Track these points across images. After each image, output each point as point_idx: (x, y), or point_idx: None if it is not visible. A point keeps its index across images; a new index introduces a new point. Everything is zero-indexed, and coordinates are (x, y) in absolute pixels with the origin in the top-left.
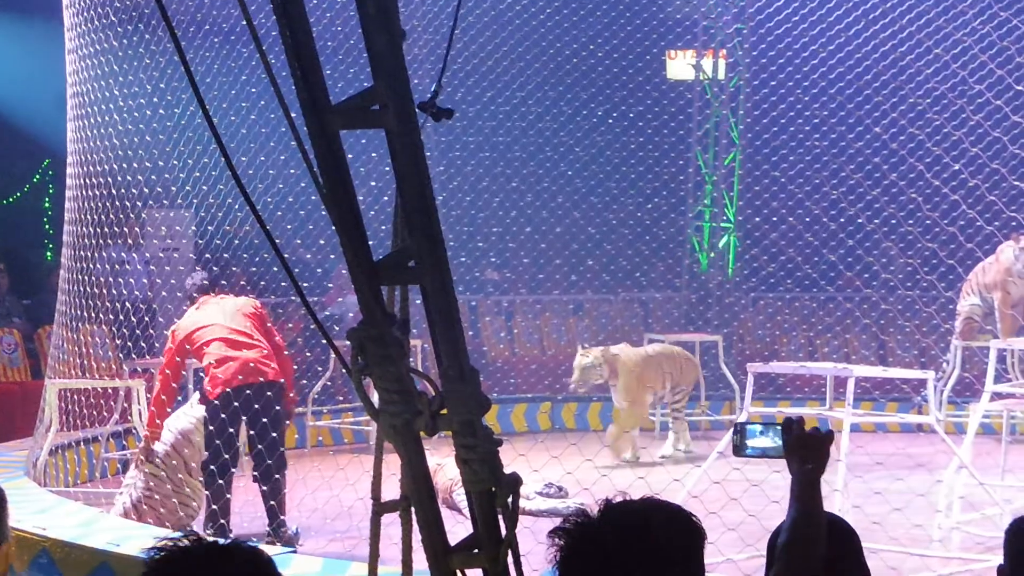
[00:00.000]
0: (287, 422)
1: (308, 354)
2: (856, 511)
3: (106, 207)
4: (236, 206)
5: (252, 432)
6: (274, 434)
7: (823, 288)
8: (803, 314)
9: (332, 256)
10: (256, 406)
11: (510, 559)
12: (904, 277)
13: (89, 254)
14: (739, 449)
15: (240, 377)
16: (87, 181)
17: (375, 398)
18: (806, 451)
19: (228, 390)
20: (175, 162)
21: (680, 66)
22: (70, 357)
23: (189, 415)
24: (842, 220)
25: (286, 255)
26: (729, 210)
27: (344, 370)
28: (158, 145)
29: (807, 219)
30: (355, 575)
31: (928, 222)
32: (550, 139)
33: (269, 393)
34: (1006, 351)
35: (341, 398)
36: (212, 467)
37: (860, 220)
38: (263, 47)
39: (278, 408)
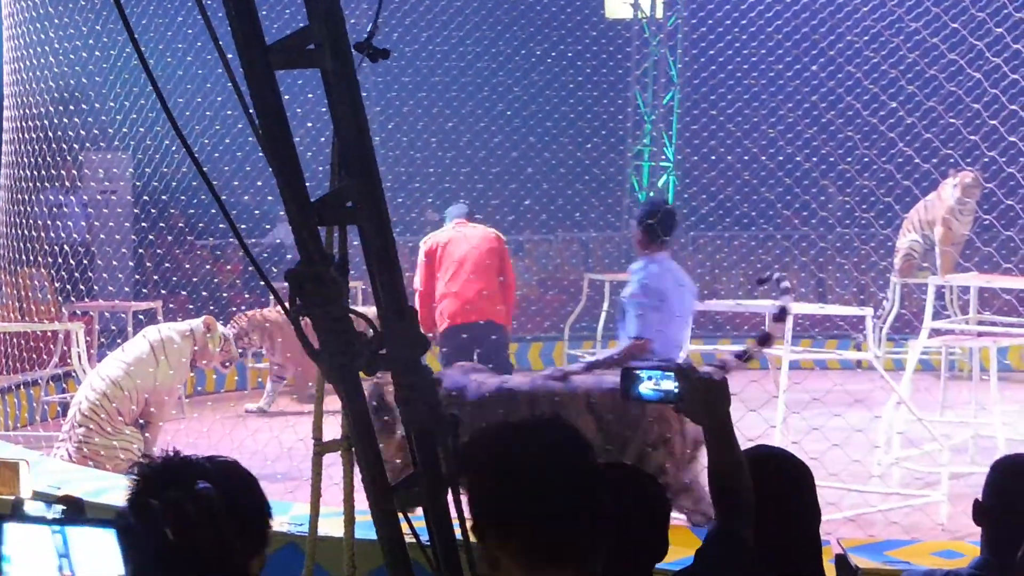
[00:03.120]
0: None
1: (247, 296)
2: (795, 447)
3: (43, 150)
4: (173, 148)
5: None
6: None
7: (761, 226)
8: (742, 252)
9: (270, 198)
10: (476, 345)
11: (450, 498)
12: (842, 215)
13: (27, 197)
14: (626, 394)
15: (463, 316)
16: (24, 124)
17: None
18: (710, 394)
19: (451, 326)
20: (112, 104)
21: (618, 4)
22: (9, 300)
23: (120, 360)
24: (780, 158)
25: (224, 197)
26: (668, 149)
27: (283, 311)
28: (95, 87)
29: (745, 157)
30: (297, 515)
31: (865, 159)
32: (488, 79)
33: (493, 336)
34: (945, 288)
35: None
36: None
37: (798, 158)
38: None
39: (499, 348)
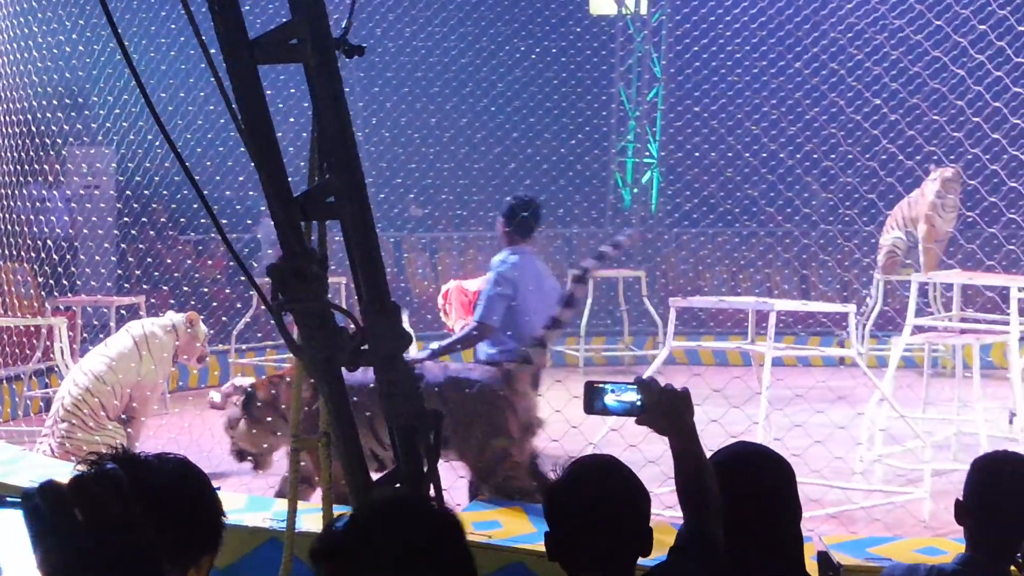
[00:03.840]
0: None
1: (229, 291)
2: (777, 444)
3: (26, 144)
4: (157, 143)
5: None
6: None
7: (744, 223)
8: (725, 249)
9: (252, 193)
10: None
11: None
12: (825, 212)
13: (10, 192)
14: (590, 407)
15: None
16: (7, 119)
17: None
18: (673, 405)
19: None
20: (95, 99)
21: (602, 1)
22: None
23: (103, 355)
24: (763, 155)
25: (206, 192)
26: (652, 145)
27: (265, 307)
28: (78, 82)
29: (729, 154)
30: (278, 511)
31: (849, 156)
32: (472, 75)
33: None
34: (928, 284)
35: (261, 335)
36: None
37: (781, 155)
38: None
39: None
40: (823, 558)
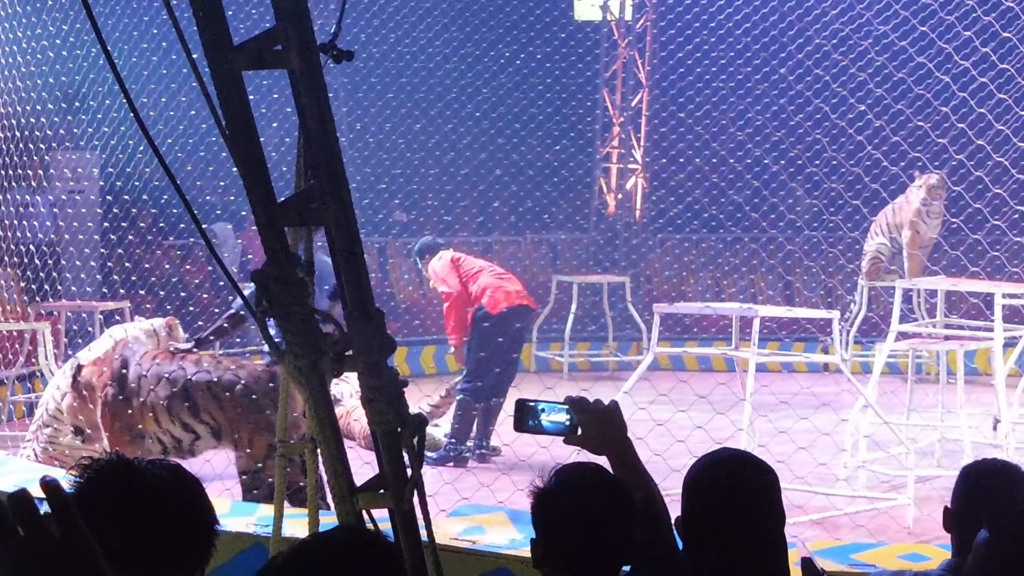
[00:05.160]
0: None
1: (212, 295)
2: (761, 450)
3: (10, 149)
4: (140, 148)
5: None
6: (514, 355)
7: (729, 229)
8: (710, 255)
9: (235, 197)
10: (519, 325)
11: (416, 499)
12: (810, 217)
13: None
14: (520, 424)
15: (518, 299)
16: None
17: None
18: (606, 423)
19: (508, 307)
20: (79, 104)
21: (587, 7)
22: None
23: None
24: (748, 161)
25: (188, 197)
26: (636, 151)
27: (249, 312)
28: (63, 87)
29: (713, 160)
30: (263, 516)
31: (834, 162)
32: (457, 80)
33: (524, 321)
34: (912, 291)
35: (244, 339)
36: (471, 379)
37: (766, 161)
38: None
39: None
40: (807, 564)
